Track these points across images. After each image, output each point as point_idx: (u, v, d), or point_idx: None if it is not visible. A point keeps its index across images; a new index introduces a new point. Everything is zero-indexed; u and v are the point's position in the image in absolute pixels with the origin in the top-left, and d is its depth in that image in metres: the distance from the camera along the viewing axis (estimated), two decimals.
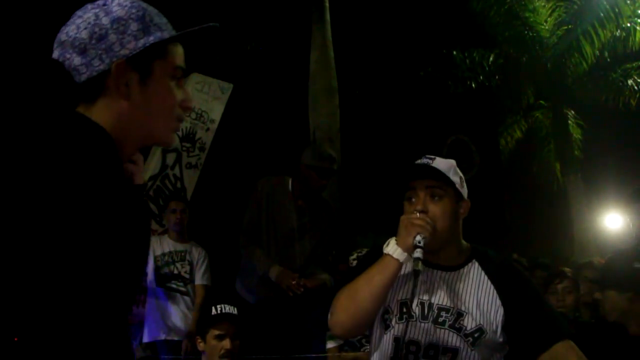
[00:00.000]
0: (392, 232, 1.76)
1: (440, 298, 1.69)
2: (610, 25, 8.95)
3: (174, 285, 4.01)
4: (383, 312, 1.72)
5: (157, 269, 4.00)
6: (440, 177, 1.67)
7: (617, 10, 8.84)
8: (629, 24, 9.15)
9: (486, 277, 1.70)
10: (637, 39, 9.13)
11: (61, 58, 1.04)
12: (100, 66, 1.03)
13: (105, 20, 1.04)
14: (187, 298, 4.01)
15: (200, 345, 2.58)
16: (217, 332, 2.51)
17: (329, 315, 1.75)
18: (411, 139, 11.51)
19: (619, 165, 10.41)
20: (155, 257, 4.01)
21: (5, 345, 0.87)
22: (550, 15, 9.63)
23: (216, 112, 5.40)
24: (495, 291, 1.68)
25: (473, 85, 10.24)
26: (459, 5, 10.04)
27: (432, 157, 1.73)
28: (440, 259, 1.72)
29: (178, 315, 3.96)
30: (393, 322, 1.69)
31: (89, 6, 1.07)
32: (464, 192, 1.74)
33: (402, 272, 1.71)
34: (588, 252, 8.18)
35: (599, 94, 9.84)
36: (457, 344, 1.62)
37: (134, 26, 1.05)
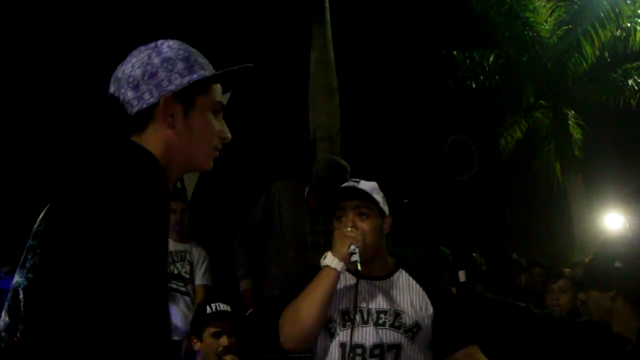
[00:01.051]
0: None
1: (377, 303, 1.90)
2: (610, 25, 8.95)
3: (173, 285, 4.00)
4: (327, 322, 1.89)
5: None
6: (366, 197, 1.90)
7: (617, 10, 8.84)
8: (629, 24, 9.15)
9: (415, 282, 1.93)
10: (637, 39, 9.13)
11: (116, 93, 1.19)
12: (150, 99, 1.17)
13: (156, 60, 1.18)
14: (187, 298, 4.00)
15: (197, 345, 2.59)
16: (213, 330, 2.53)
17: (280, 334, 1.91)
18: (411, 139, 11.51)
19: (619, 165, 10.41)
20: None
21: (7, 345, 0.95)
22: (550, 15, 9.62)
23: None
24: (424, 292, 1.91)
25: (473, 85, 10.24)
26: (459, 5, 10.04)
27: (357, 180, 1.97)
28: (371, 270, 1.92)
29: (178, 315, 3.95)
30: (337, 330, 1.87)
31: (143, 48, 1.22)
32: (386, 209, 1.97)
33: (341, 285, 1.91)
34: (588, 252, 8.16)
35: (599, 94, 9.84)
36: (399, 340, 1.82)
37: (180, 65, 1.19)
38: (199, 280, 4.06)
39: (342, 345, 1.84)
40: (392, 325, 1.84)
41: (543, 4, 9.63)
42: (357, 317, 1.86)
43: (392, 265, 1.98)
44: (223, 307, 2.62)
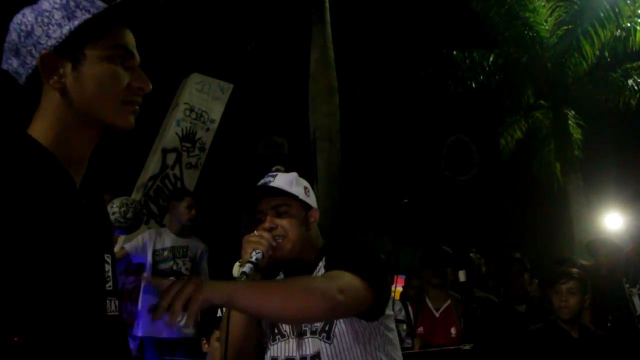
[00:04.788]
0: (392, 232, 1.79)
1: None
2: (610, 25, 8.95)
3: None
4: (263, 336, 1.74)
5: (154, 264, 3.95)
6: (280, 193, 1.70)
7: (617, 10, 8.84)
8: (629, 24, 9.15)
9: (323, 267, 1.70)
10: (637, 39, 9.13)
11: (5, 65, 1.04)
12: (32, 62, 1.01)
13: (30, 17, 1.02)
14: None
15: (205, 347, 2.57)
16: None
17: None
18: (411, 139, 11.52)
19: (619, 165, 10.42)
20: (154, 252, 3.97)
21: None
22: (550, 15, 9.63)
23: (216, 112, 5.41)
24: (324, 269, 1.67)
25: (473, 85, 10.23)
26: (459, 5, 10.04)
27: (274, 174, 1.77)
28: (297, 270, 1.73)
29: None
30: (269, 344, 1.73)
31: (22, 9, 1.05)
32: (310, 200, 1.76)
33: None
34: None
35: (599, 94, 9.85)
36: (318, 347, 1.64)
37: (57, 15, 1.01)
38: (204, 276, 4.06)
39: None
40: (312, 332, 1.66)
41: (543, 4, 9.63)
42: (288, 327, 1.69)
43: (317, 256, 1.75)
44: None
